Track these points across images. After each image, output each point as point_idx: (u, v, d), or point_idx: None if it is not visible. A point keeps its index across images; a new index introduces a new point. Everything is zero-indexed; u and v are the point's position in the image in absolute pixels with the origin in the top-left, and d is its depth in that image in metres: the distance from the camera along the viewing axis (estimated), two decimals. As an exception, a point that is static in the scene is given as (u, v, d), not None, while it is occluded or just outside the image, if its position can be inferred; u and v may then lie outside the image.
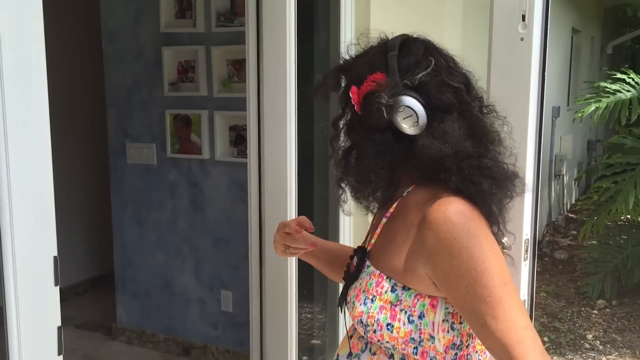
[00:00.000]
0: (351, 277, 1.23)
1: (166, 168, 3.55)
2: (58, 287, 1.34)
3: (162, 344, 3.71)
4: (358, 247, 1.28)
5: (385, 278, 1.15)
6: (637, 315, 4.40)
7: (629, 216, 4.99)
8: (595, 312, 4.49)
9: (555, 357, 3.80)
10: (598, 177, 5.81)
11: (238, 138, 3.31)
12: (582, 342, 4.02)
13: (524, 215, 1.60)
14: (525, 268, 1.59)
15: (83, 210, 4.64)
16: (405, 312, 1.10)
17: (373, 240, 1.22)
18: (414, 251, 1.10)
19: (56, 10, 4.28)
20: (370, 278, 1.17)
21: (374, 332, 1.12)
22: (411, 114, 1.08)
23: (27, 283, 1.28)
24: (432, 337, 1.10)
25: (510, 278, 1.05)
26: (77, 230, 4.59)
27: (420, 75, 1.09)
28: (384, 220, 1.20)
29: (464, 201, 1.07)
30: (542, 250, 6.05)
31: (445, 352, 1.11)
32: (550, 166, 6.73)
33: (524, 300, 1.63)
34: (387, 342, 1.12)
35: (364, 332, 1.15)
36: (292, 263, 2.24)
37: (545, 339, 4.04)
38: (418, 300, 1.10)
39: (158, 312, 3.73)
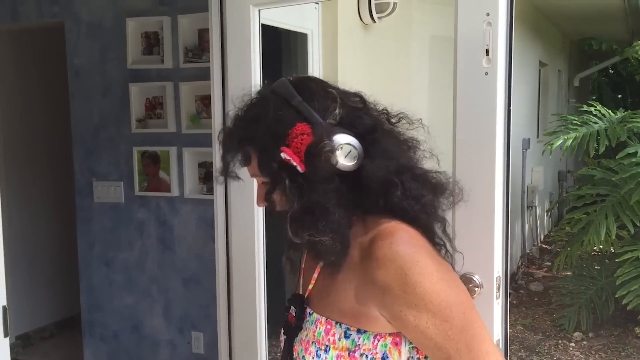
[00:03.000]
0: (293, 329, 1.13)
1: (134, 206, 3.47)
2: (8, 339, 1.26)
3: (130, 389, 3.58)
4: (292, 295, 1.19)
5: (334, 324, 1.07)
6: (613, 347, 4.38)
7: (601, 247, 5.01)
8: (573, 344, 4.47)
9: (533, 392, 3.75)
10: (569, 208, 5.85)
11: (207, 175, 3.26)
12: (560, 375, 3.99)
13: (494, 252, 1.57)
14: (497, 306, 1.56)
15: (49, 251, 4.52)
16: (367, 356, 1.04)
17: (310, 286, 1.14)
18: (363, 291, 1.04)
19: (21, 47, 4.24)
20: (316, 327, 1.09)
21: None
22: (350, 150, 1.05)
23: (-26, 334, 1.20)
24: None
25: (468, 302, 1.03)
26: (43, 271, 4.46)
27: (336, 110, 1.08)
28: (321, 263, 1.13)
29: (406, 226, 1.04)
30: (518, 283, 6.05)
31: None
32: (523, 197, 6.77)
33: (498, 340, 1.59)
34: None
35: None
36: (262, 302, 2.18)
37: (523, 373, 4.00)
38: (378, 341, 1.04)
39: (127, 356, 3.60)
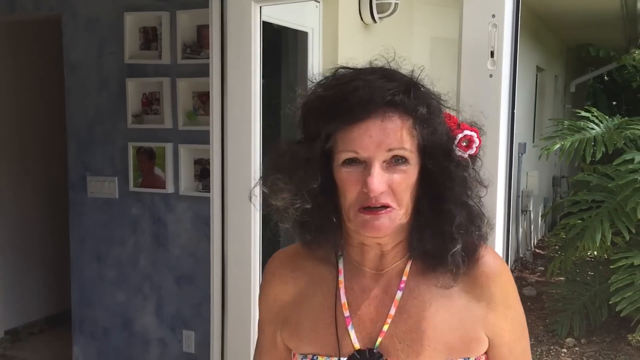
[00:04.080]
0: None
1: (128, 202, 3.44)
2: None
3: (120, 386, 3.54)
4: (356, 351, 1.01)
5: None
6: (605, 354, 4.38)
7: (595, 253, 5.01)
8: (565, 350, 4.46)
9: (525, 398, 3.74)
10: (564, 213, 5.85)
11: (203, 172, 3.23)
12: (552, 381, 3.98)
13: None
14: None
15: (40, 245, 4.47)
16: None
17: (385, 327, 1.01)
18: (469, 313, 1.02)
19: (17, 39, 4.19)
20: None
21: None
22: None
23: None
24: None
25: None
26: (33, 266, 4.42)
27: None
28: (399, 294, 1.02)
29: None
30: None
31: None
32: (517, 202, 6.78)
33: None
34: None
35: None
36: (256, 303, 2.16)
37: (515, 378, 3.98)
38: None
39: (117, 354, 3.57)
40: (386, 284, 1.04)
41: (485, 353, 1.05)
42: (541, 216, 7.52)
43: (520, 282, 6.21)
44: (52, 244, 4.45)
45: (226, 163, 2.12)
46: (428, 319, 1.00)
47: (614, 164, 4.35)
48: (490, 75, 1.55)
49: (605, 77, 10.33)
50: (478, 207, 1.02)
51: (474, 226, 1.00)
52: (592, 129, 4.77)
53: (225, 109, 2.10)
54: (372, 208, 0.96)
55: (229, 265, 2.18)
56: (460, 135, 1.03)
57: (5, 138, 4.19)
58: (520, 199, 6.84)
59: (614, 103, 10.02)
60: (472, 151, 1.04)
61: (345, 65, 1.04)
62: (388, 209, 0.96)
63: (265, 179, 1.05)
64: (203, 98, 3.15)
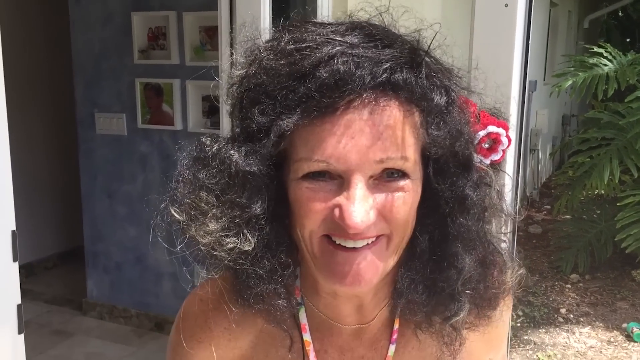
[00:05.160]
0: None
1: (137, 139, 3.44)
2: (17, 263, 1.26)
3: (134, 318, 3.64)
4: None
5: None
6: (609, 289, 4.44)
7: (602, 191, 5.01)
8: (569, 286, 4.52)
9: (529, 331, 3.82)
10: (573, 152, 5.83)
11: (211, 109, 3.21)
12: (556, 315, 4.05)
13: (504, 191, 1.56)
14: (505, 245, 1.55)
15: (51, 182, 4.51)
16: None
17: None
18: (477, 348, 0.82)
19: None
20: None
21: None
22: None
23: (-18, 259, 1.20)
24: None
25: None
26: (46, 203, 4.47)
27: None
28: (392, 349, 0.76)
29: None
30: (517, 225, 6.08)
31: None
32: (526, 140, 6.74)
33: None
34: None
35: None
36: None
37: (520, 312, 4.06)
38: None
39: (130, 287, 3.65)
40: (372, 338, 0.76)
41: None
42: (549, 154, 7.49)
43: (526, 220, 6.25)
44: (63, 182, 4.48)
45: (235, 98, 2.10)
46: None
47: (625, 100, 4.29)
48: (506, 5, 1.51)
49: (620, 13, 10.07)
50: (497, 247, 0.72)
51: (488, 275, 0.71)
52: (605, 65, 4.68)
53: (234, 43, 2.07)
54: (347, 247, 0.65)
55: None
56: (482, 134, 0.73)
57: (13, 77, 4.15)
58: (529, 137, 6.80)
59: (628, 40, 9.81)
60: (496, 157, 0.74)
61: (313, 19, 0.70)
62: (373, 243, 0.65)
63: (179, 198, 0.70)
64: (210, 33, 3.10)
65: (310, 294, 0.74)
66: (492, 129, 0.73)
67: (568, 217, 5.40)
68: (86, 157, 3.61)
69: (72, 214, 4.20)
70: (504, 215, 0.72)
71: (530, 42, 1.57)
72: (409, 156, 0.63)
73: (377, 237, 0.65)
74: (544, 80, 7.34)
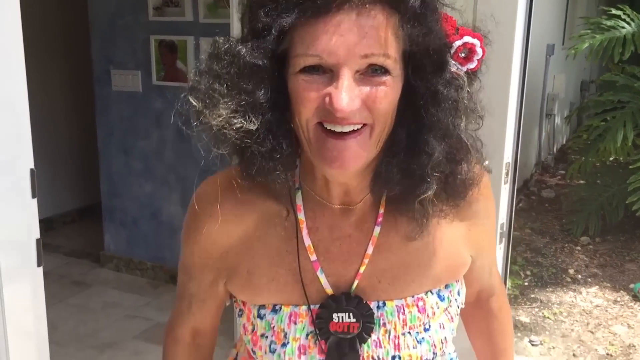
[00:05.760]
0: (359, 337, 0.85)
1: (152, 96, 3.50)
2: (36, 200, 1.33)
3: (149, 271, 3.75)
4: (327, 299, 0.86)
5: (424, 297, 0.89)
6: (618, 251, 4.47)
7: (617, 157, 5.01)
8: (579, 248, 4.56)
9: (536, 290, 3.88)
10: (587, 115, 5.79)
11: (224, 66, 3.24)
12: (564, 276, 4.10)
13: (505, 140, 1.59)
14: (505, 190, 1.60)
15: (69, 139, 4.60)
16: (456, 301, 0.94)
17: (362, 269, 0.86)
18: (456, 240, 0.91)
19: None
20: (403, 314, 0.87)
21: (442, 354, 0.92)
22: None
23: (4, 195, 1.26)
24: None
25: None
26: (64, 160, 4.57)
27: None
28: (377, 230, 0.87)
29: None
30: (530, 189, 6.09)
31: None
32: (542, 105, 6.69)
33: (502, 224, 1.64)
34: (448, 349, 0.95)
35: None
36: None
37: (528, 272, 4.11)
38: (457, 284, 0.95)
39: (145, 241, 3.75)
40: (359, 219, 0.87)
41: None
42: (565, 118, 7.43)
43: (539, 185, 6.26)
44: (81, 139, 4.57)
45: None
46: (411, 253, 0.87)
47: (641, 63, 4.25)
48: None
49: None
50: (467, 143, 0.81)
51: (457, 167, 0.81)
52: (622, 27, 4.62)
53: (244, -4, 2.09)
54: (336, 131, 0.75)
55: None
56: (458, 43, 0.81)
57: (29, 34, 4.21)
58: (545, 102, 6.75)
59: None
60: (472, 65, 0.82)
61: None
62: (358, 131, 0.75)
63: (195, 87, 0.82)
64: (223, -11, 3.13)
65: (307, 180, 0.87)
66: (467, 39, 0.82)
67: (582, 182, 5.40)
68: (102, 113, 3.68)
69: (90, 171, 4.29)
70: (471, 113, 0.81)
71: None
72: (390, 54, 0.74)
73: (362, 126, 0.76)
74: (563, 44, 7.25)
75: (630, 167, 4.27)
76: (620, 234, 4.68)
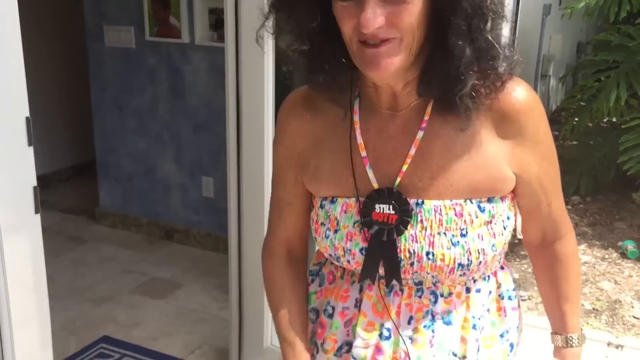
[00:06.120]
0: (397, 229, 0.95)
1: (145, 52, 3.48)
2: (32, 148, 1.35)
3: (145, 227, 3.79)
4: (372, 192, 0.97)
5: (463, 203, 0.95)
6: (609, 210, 4.53)
7: (609, 117, 5.02)
8: (570, 207, 4.62)
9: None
10: (583, 76, 5.78)
11: (218, 22, 3.23)
12: (554, 234, 4.16)
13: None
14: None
15: (63, 96, 4.58)
16: (502, 221, 0.99)
17: (404, 167, 0.96)
18: (497, 154, 0.96)
19: None
20: (440, 215, 0.94)
21: (479, 264, 0.97)
22: None
23: (0, 144, 1.28)
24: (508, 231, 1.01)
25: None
26: (59, 116, 4.56)
27: None
28: (420, 134, 0.96)
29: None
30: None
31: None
32: (537, 66, 6.67)
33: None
34: (486, 264, 0.99)
35: (458, 271, 0.97)
36: (270, 148, 2.24)
37: (518, 231, 4.17)
38: (504, 202, 0.99)
39: (140, 197, 3.78)
40: (404, 124, 0.97)
41: (513, 190, 1.00)
42: (559, 78, 7.42)
43: (533, 145, 6.29)
44: (74, 95, 4.55)
45: (240, 11, 2.13)
46: (452, 159, 0.94)
47: (636, 22, 4.23)
48: None
49: None
50: (492, 41, 0.88)
51: (488, 63, 0.89)
52: (620, -14, 4.58)
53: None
54: (370, 43, 0.87)
55: (244, 113, 2.25)
56: None
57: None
58: (540, 63, 6.73)
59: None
60: None
61: None
62: (387, 42, 0.86)
63: (268, 18, 0.97)
64: (217, -57, 3.08)
65: (362, 87, 1.01)
66: None
67: (575, 143, 5.43)
68: (96, 70, 3.67)
69: (84, 128, 4.29)
70: (493, 15, 0.88)
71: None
72: None
73: (391, 39, 0.87)
74: (560, 4, 7.18)
75: (623, 126, 4.30)
76: (610, 193, 4.73)
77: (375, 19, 0.84)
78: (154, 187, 3.72)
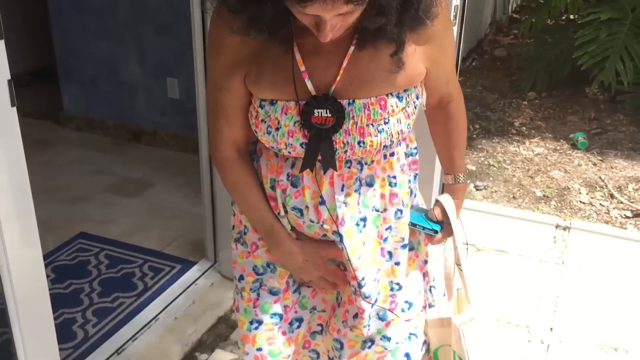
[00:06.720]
0: (333, 128, 1.10)
1: (101, -51, 3.37)
2: (15, 108, 1.38)
3: (111, 130, 3.82)
4: (311, 98, 1.10)
5: (386, 97, 1.11)
6: (562, 105, 4.71)
7: (570, 16, 5.11)
8: (525, 103, 4.78)
9: (483, 141, 4.12)
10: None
11: None
12: (510, 128, 4.34)
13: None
14: (454, 32, 1.70)
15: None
16: (413, 104, 1.16)
17: (338, 77, 1.09)
18: (414, 55, 1.11)
19: None
20: (367, 110, 1.10)
21: (399, 143, 1.18)
22: None
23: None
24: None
25: None
26: (13, 20, 4.41)
27: None
28: (351, 49, 1.08)
29: None
30: (483, 49, 6.21)
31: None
32: (498, -38, 6.64)
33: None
34: (404, 139, 1.20)
35: (383, 150, 1.14)
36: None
37: (477, 126, 4.33)
38: (416, 88, 1.16)
39: (105, 100, 3.78)
40: (337, 41, 1.07)
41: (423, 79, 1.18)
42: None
43: (493, 44, 6.37)
44: (27, -3, 4.40)
45: None
46: (377, 63, 1.08)
47: None
48: None
49: None
50: None
51: (412, 2, 0.99)
52: None
53: None
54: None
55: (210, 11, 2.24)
56: None
57: None
58: (501, -41, 6.69)
59: None
60: None
61: None
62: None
63: None
64: None
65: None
66: None
67: (532, 40, 5.53)
68: (50, -32, 3.55)
69: (41, 31, 4.18)
70: None
71: None
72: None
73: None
74: None
75: (579, 22, 4.40)
76: (565, 88, 4.90)
77: (331, 34, 0.97)
78: (119, 89, 3.71)
